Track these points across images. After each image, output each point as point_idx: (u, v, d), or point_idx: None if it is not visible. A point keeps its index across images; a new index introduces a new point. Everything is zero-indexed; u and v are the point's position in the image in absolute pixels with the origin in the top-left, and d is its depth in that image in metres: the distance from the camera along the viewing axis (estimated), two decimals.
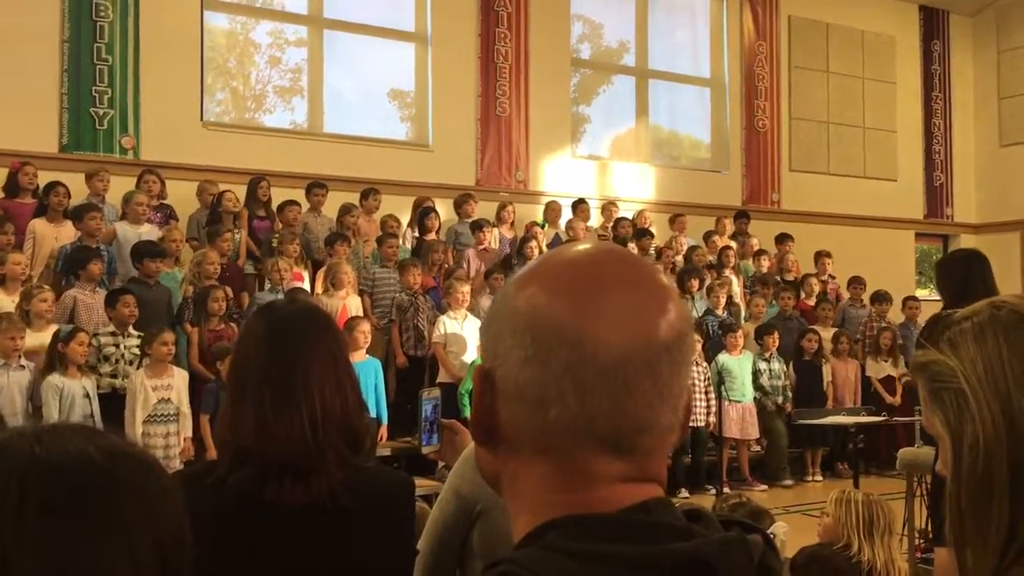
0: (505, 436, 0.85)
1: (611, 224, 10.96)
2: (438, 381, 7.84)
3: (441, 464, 3.35)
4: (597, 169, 11.97)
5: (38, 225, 7.65)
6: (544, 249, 9.48)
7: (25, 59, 8.63)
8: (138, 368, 6.62)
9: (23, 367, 6.23)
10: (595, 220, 11.13)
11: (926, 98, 14.30)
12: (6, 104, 8.48)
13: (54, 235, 7.70)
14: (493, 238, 9.85)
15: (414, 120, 11.13)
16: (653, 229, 11.01)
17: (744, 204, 12.53)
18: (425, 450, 2.11)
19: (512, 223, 10.35)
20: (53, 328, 6.51)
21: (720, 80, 12.98)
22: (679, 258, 10.71)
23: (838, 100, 13.51)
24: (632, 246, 10.25)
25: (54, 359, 6.24)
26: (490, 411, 0.86)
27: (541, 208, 10.88)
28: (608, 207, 11.24)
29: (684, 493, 8.29)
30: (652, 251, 10.44)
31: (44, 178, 7.98)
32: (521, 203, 10.82)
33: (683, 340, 0.86)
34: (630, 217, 11.12)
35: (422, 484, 5.95)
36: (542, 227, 10.31)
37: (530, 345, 0.83)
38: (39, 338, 6.44)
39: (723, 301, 9.84)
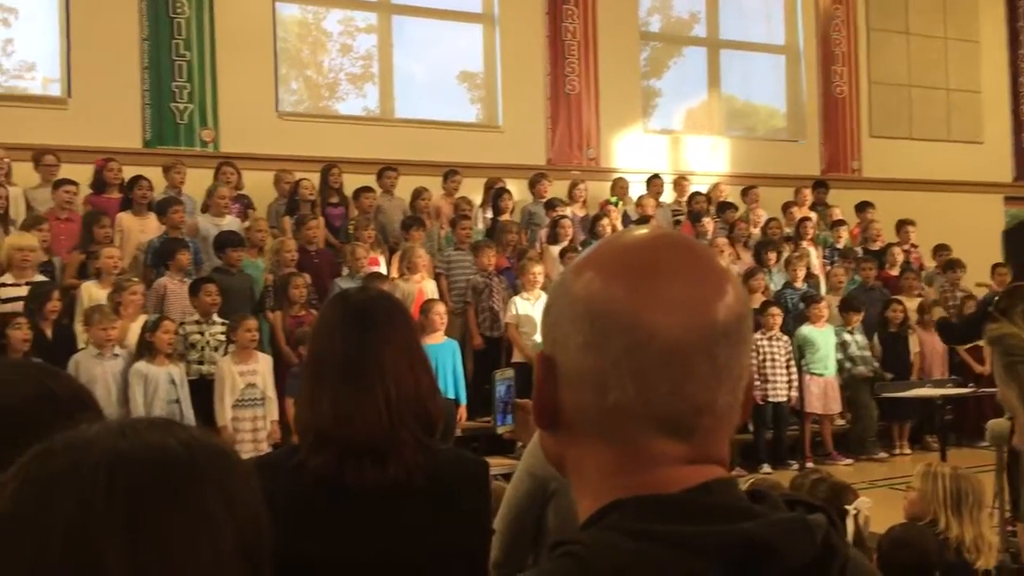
0: (567, 420, 0.87)
1: (685, 199, 10.84)
2: (512, 361, 7.88)
3: (519, 444, 3.39)
4: (670, 143, 11.82)
5: (124, 219, 7.91)
6: (617, 226, 9.43)
7: (108, 59, 8.91)
8: (224, 355, 6.82)
9: (116, 356, 6.47)
10: (669, 195, 11.02)
11: (1012, 56, 13.72)
12: (92, 103, 8.78)
13: (140, 228, 7.96)
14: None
15: (484, 101, 11.15)
16: (730, 202, 10.85)
17: (823, 173, 12.24)
18: (500, 430, 2.14)
19: (584, 201, 10.31)
20: (144, 318, 6.75)
21: (795, 47, 12.67)
22: (755, 231, 10.54)
23: (919, 62, 13.06)
24: (708, 220, 10.14)
25: (142, 348, 6.47)
26: (551, 396, 0.87)
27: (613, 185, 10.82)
28: (682, 181, 11.12)
29: (766, 468, 8.20)
30: (727, 225, 10.29)
31: (129, 173, 8.24)
32: (593, 181, 10.77)
33: (741, 322, 0.86)
34: (705, 191, 10.98)
35: (501, 463, 6.01)
36: (615, 204, 10.25)
37: (588, 331, 0.84)
38: (133, 328, 6.68)
39: (802, 274, 9.66)
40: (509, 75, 10.85)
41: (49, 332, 6.53)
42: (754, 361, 8.49)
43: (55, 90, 9.11)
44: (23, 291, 6.63)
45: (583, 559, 0.78)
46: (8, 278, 6.76)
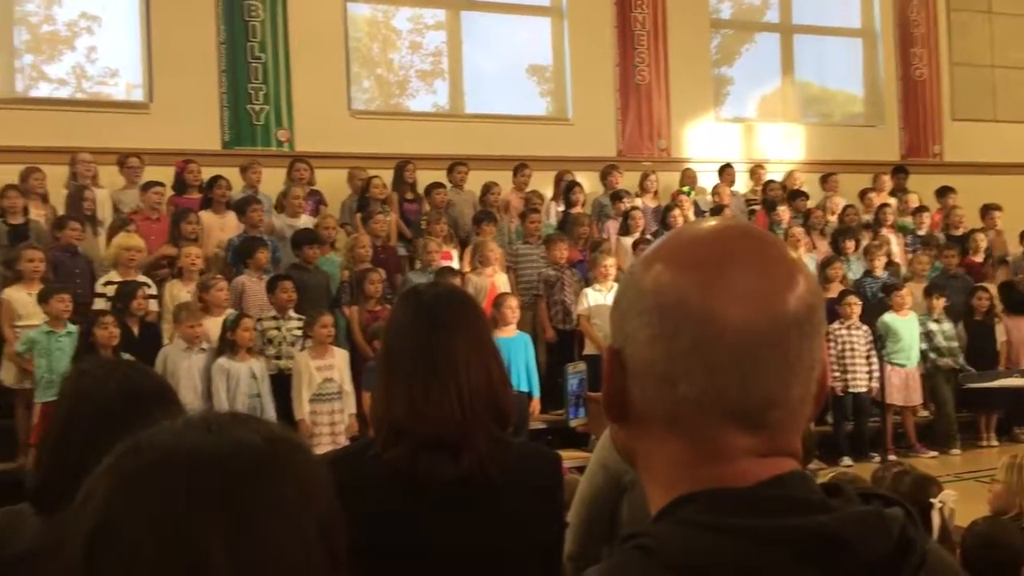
0: (637, 413, 0.87)
1: (760, 187, 10.67)
2: (585, 354, 7.87)
3: (593, 436, 3.39)
4: (743, 131, 11.65)
5: (205, 218, 8.13)
6: (689, 216, 9.33)
7: (187, 64, 9.14)
8: (301, 350, 6.96)
9: (203, 351, 6.65)
10: (743, 184, 10.85)
11: None
12: (173, 107, 9.03)
13: (219, 226, 8.17)
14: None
15: (553, 95, 11.14)
16: (805, 190, 10.65)
17: (903, 159, 11.91)
18: (572, 423, 2.15)
19: (656, 192, 10.23)
20: (226, 313, 6.93)
21: (871, 30, 12.35)
22: (833, 218, 10.31)
23: (1002, 41, 12.60)
24: (783, 209, 9.96)
25: (224, 344, 6.64)
26: (621, 389, 0.88)
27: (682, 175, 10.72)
28: (756, 170, 10.94)
29: (847, 461, 8.03)
30: (802, 213, 10.10)
31: (208, 174, 8.46)
32: (665, 171, 10.68)
33: (813, 313, 0.85)
34: (779, 179, 10.79)
35: (575, 456, 6.01)
36: (687, 194, 10.15)
37: (656, 323, 0.84)
38: (216, 323, 6.86)
39: (882, 262, 9.41)
40: (578, 67, 10.81)
41: (136, 329, 6.75)
42: (832, 351, 8.32)
43: (138, 95, 9.39)
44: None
45: (654, 552, 0.79)
46: (114, 276, 7.03)
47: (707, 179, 10.76)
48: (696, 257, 0.86)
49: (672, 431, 0.85)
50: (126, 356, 5.48)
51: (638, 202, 9.82)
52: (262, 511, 0.81)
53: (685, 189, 10.34)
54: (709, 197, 10.41)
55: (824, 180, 10.90)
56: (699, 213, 9.88)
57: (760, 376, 0.83)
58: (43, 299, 6.46)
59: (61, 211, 7.89)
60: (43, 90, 9.37)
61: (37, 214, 7.79)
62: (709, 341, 0.82)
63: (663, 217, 9.33)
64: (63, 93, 9.44)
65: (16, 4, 9.13)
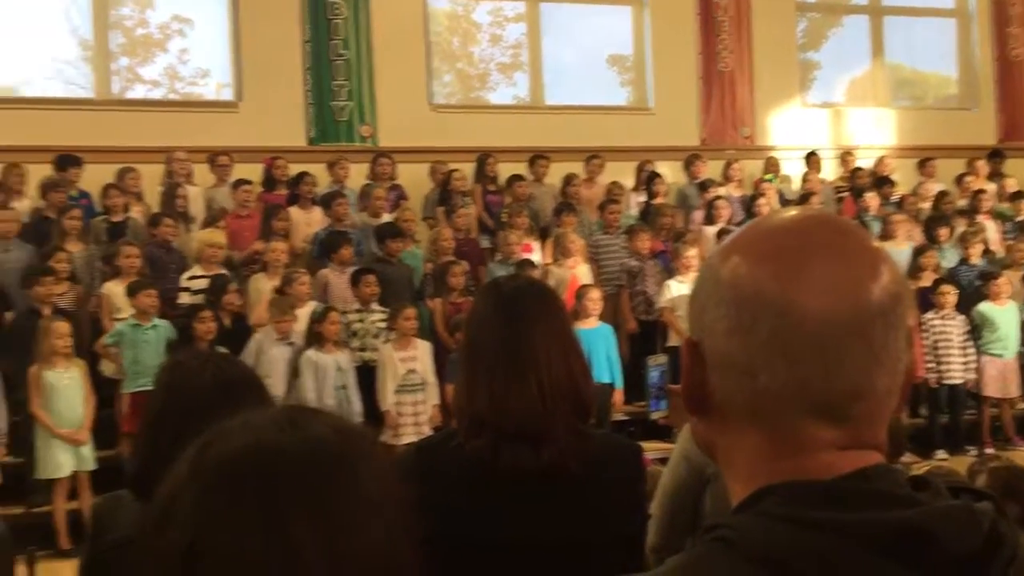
0: (716, 405, 0.87)
1: (848, 174, 10.40)
2: (667, 345, 7.80)
3: (675, 429, 3.36)
4: (831, 117, 11.37)
5: (291, 213, 8.32)
6: (775, 205, 9.16)
7: (273, 63, 9.36)
8: (385, 342, 7.07)
9: (291, 343, 6.81)
10: (831, 171, 10.59)
11: None
12: (261, 105, 9.26)
13: (305, 221, 8.36)
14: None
15: (634, 84, 11.05)
16: (896, 176, 10.34)
17: (999, 142, 11.46)
18: (654, 415, 2.14)
19: (740, 181, 10.07)
20: (311, 306, 7.09)
21: (965, 9, 11.91)
22: (925, 205, 9.99)
23: None
24: (871, 196, 9.70)
25: (311, 336, 6.79)
26: (700, 382, 0.87)
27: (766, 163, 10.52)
28: (845, 157, 10.67)
29: (941, 455, 7.79)
30: (890, 200, 9.81)
31: (295, 170, 8.66)
32: (749, 159, 10.50)
33: (898, 303, 0.84)
34: (869, 166, 10.50)
35: (657, 448, 5.97)
36: (771, 182, 9.96)
37: (734, 315, 0.84)
38: (300, 316, 7.02)
39: (978, 249, 9.07)
40: (660, 56, 10.70)
41: (228, 322, 6.95)
42: (926, 341, 8.08)
43: (227, 95, 9.65)
44: (207, 284, 7.12)
45: (734, 543, 0.78)
46: (197, 270, 7.27)
47: (792, 167, 10.53)
48: (774, 247, 0.85)
49: (752, 423, 0.84)
50: (218, 348, 5.65)
51: (722, 191, 9.68)
52: (350, 503, 0.83)
53: (769, 177, 10.15)
54: (794, 185, 10.19)
55: (922, 165, 10.58)
56: (784, 202, 9.70)
57: (843, 367, 0.81)
58: (131, 293, 6.70)
59: (155, 209, 8.17)
60: (138, 91, 9.71)
61: (134, 212, 8.09)
62: (790, 331, 0.81)
63: (749, 206, 9.18)
64: (156, 94, 9.76)
65: (112, 8, 9.47)
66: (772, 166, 10.33)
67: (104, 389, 6.66)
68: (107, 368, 6.85)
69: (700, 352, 0.87)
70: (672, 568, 0.82)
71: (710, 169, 10.00)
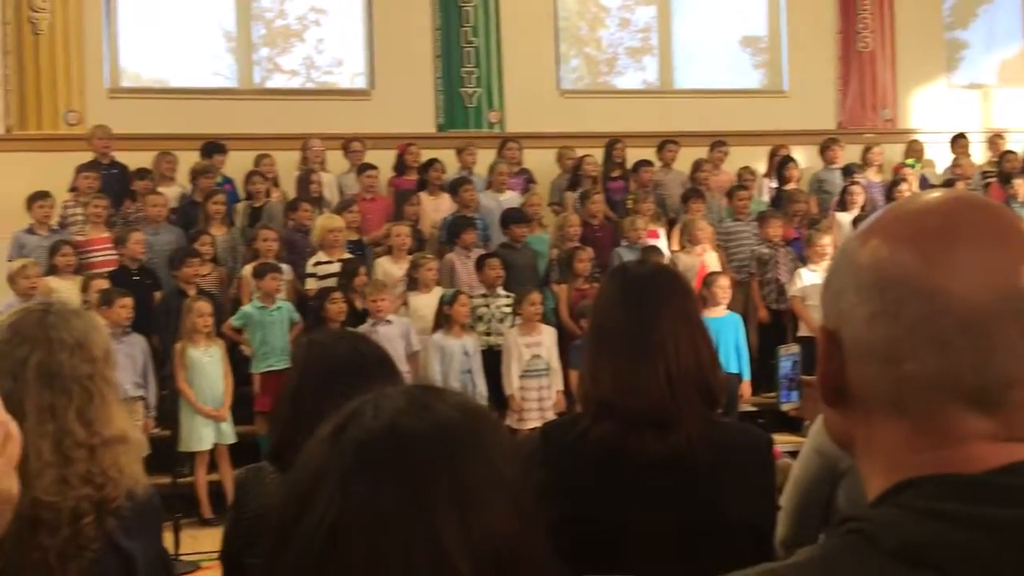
0: (855, 396, 0.84)
1: (997, 158, 9.85)
2: (799, 335, 7.57)
3: (806, 421, 3.27)
4: (979, 98, 10.78)
5: (421, 198, 8.48)
6: (915, 191, 8.75)
7: (405, 51, 9.55)
8: (511, 327, 7.12)
9: (389, 323, 6.81)
10: (979, 155, 10.05)
11: None
12: (394, 92, 9.46)
13: (434, 208, 8.50)
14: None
15: (768, 66, 10.74)
16: None
17: None
18: (784, 407, 2.09)
19: (880, 166, 9.68)
20: (437, 291, 7.20)
21: None
22: None
23: None
24: (1020, 182, 9.14)
25: (440, 320, 6.90)
26: (838, 371, 0.84)
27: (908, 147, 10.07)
28: (994, 140, 10.10)
29: None
30: None
31: (424, 156, 8.82)
32: (889, 143, 10.07)
33: None
34: (1020, 151, 9.90)
35: (787, 440, 5.81)
36: (912, 167, 9.52)
37: (878, 300, 0.80)
38: (428, 299, 7.14)
39: None
40: (795, 36, 10.37)
41: (359, 304, 7.14)
42: None
43: (360, 83, 9.90)
44: (335, 267, 7.32)
45: (870, 536, 0.76)
46: (321, 256, 7.49)
47: (935, 151, 10.05)
48: (918, 229, 0.81)
49: (895, 413, 0.81)
50: (349, 329, 5.81)
51: (859, 176, 9.32)
52: (482, 483, 0.84)
53: (910, 162, 9.72)
54: (938, 169, 9.72)
55: None
56: (927, 187, 9.26)
57: (997, 354, 0.77)
58: (257, 275, 6.95)
59: (291, 194, 8.47)
60: (277, 81, 10.07)
61: (272, 197, 8.42)
62: (939, 316, 0.78)
63: (889, 192, 8.81)
64: (294, 83, 10.10)
65: (254, 1, 9.85)
66: (914, 150, 9.89)
67: (243, 366, 6.97)
68: (245, 348, 7.16)
69: (837, 340, 0.84)
70: (806, 560, 0.80)
71: (848, 154, 9.64)
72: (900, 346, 0.79)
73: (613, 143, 9.20)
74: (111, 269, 7.23)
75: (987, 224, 0.81)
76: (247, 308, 6.96)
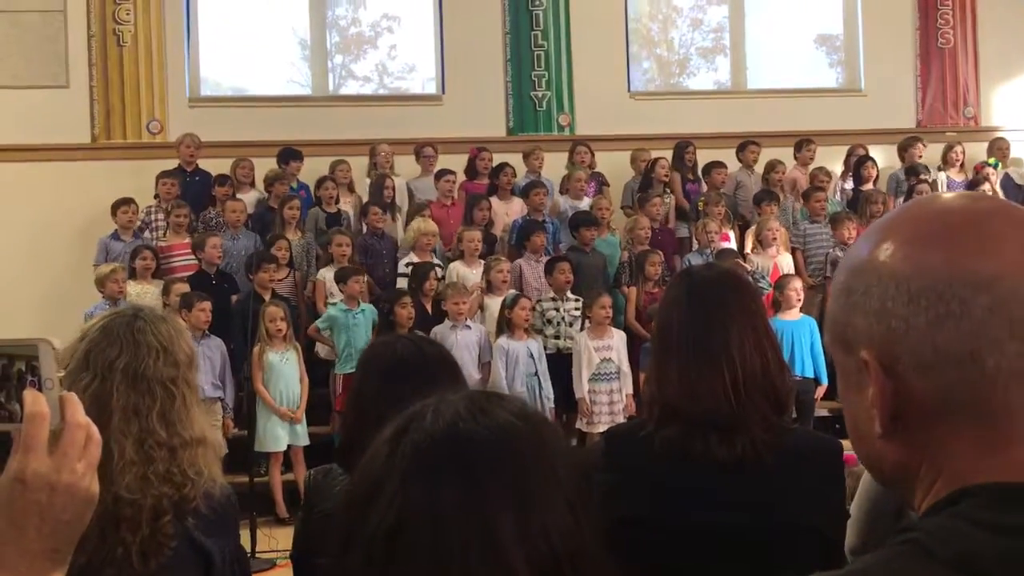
0: (923, 412, 0.80)
1: None
2: None
3: None
4: None
5: (491, 203, 8.53)
6: (997, 191, 8.49)
7: (475, 56, 9.61)
8: (580, 330, 7.11)
9: (468, 327, 6.91)
10: None
11: None
12: (463, 97, 9.53)
13: (505, 211, 8.55)
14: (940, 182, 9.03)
15: (844, 64, 10.53)
16: None
17: None
18: None
19: (962, 164, 9.40)
20: (509, 294, 7.23)
21: None
22: None
23: None
24: None
25: (502, 323, 6.92)
26: (892, 396, 0.81)
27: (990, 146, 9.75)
28: None
29: None
30: None
31: (495, 160, 8.86)
32: (971, 142, 9.77)
33: None
34: None
35: None
36: (994, 167, 9.23)
37: (936, 304, 0.78)
38: (499, 302, 7.17)
39: None
40: (872, 34, 10.14)
41: (429, 307, 7.22)
42: None
43: (431, 88, 10.00)
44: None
45: (926, 547, 0.74)
46: (412, 257, 7.64)
47: (1019, 149, 9.72)
48: (945, 227, 0.81)
49: (970, 418, 0.78)
50: (415, 332, 5.87)
51: (941, 176, 9.08)
52: (539, 487, 0.86)
53: (992, 161, 9.41)
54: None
55: None
56: (1010, 186, 8.97)
57: None
58: (340, 279, 7.08)
59: (364, 199, 8.60)
60: (351, 87, 10.23)
61: (345, 202, 8.56)
62: (1006, 302, 0.76)
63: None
64: (367, 89, 10.25)
65: (328, 10, 10.03)
66: (1000, 149, 9.57)
67: (317, 369, 7.10)
68: (322, 350, 7.29)
69: (884, 363, 0.81)
70: (860, 569, 0.79)
71: (928, 153, 9.39)
72: (977, 342, 0.77)
73: (684, 146, 9.12)
74: (191, 273, 7.45)
75: (1004, 210, 0.81)
76: (332, 311, 7.09)
